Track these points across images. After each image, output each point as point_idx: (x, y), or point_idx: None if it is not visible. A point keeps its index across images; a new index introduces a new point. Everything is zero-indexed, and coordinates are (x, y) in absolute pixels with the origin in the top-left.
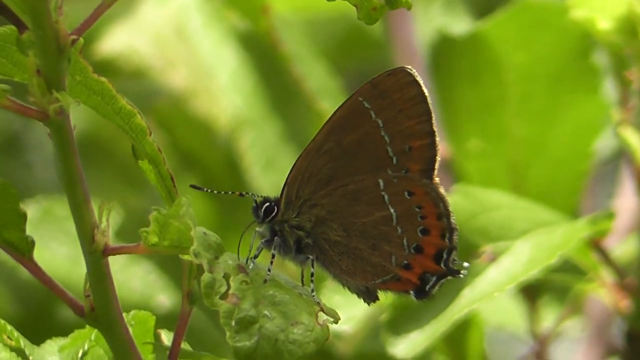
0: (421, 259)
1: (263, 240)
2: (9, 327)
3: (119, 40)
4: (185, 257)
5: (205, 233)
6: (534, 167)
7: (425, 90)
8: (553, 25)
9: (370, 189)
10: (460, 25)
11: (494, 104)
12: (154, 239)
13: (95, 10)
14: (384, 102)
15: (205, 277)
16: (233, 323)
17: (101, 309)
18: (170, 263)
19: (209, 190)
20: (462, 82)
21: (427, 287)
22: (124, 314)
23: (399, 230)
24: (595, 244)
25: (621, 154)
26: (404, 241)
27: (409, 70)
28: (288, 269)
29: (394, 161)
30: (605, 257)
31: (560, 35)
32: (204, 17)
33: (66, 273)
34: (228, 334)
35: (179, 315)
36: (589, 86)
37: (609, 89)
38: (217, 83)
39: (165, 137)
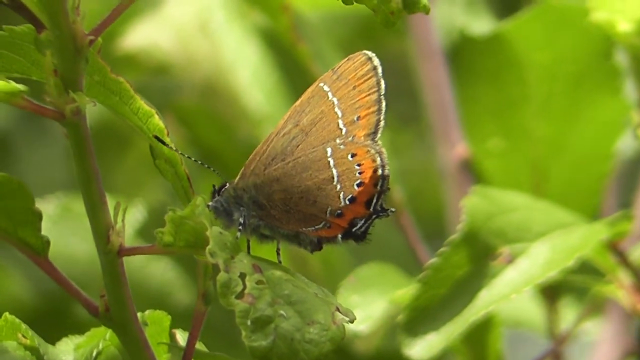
0: (353, 207)
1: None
2: (24, 326)
3: (142, 36)
4: (200, 257)
5: (221, 232)
6: (555, 167)
7: (379, 65)
8: (575, 26)
9: (319, 158)
10: (481, 25)
11: (516, 104)
12: (169, 239)
13: (113, 10)
14: (340, 83)
15: (221, 276)
16: (249, 322)
17: (116, 309)
18: (190, 260)
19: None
20: (484, 82)
21: (354, 229)
22: (139, 314)
23: (338, 187)
24: (614, 246)
25: None
26: (341, 195)
27: (366, 52)
28: (306, 271)
29: (344, 132)
30: (623, 259)
31: (582, 36)
32: (226, 14)
33: (86, 269)
34: (244, 333)
35: (194, 315)
36: (610, 87)
37: (629, 90)
38: (239, 80)
39: (187, 134)
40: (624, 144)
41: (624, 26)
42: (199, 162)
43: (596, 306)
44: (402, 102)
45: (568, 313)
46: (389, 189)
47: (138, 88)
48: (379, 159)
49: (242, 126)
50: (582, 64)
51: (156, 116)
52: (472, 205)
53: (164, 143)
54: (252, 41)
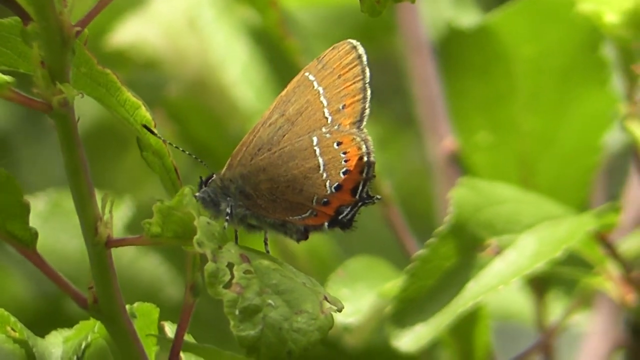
0: (340, 195)
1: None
2: (12, 319)
3: (131, 32)
4: (189, 248)
5: (208, 222)
6: (543, 161)
7: (363, 54)
8: (562, 18)
9: (305, 147)
10: (469, 17)
11: (503, 97)
12: (156, 230)
13: (99, 2)
14: (325, 72)
15: (209, 266)
16: (237, 312)
17: (104, 301)
18: (180, 256)
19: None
20: (471, 75)
21: (340, 217)
22: (127, 306)
23: (324, 176)
24: (602, 238)
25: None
26: (327, 183)
27: (350, 41)
28: (295, 265)
29: (329, 120)
30: (611, 250)
31: (569, 28)
32: (215, 10)
33: (77, 265)
34: (232, 323)
35: (182, 307)
36: (598, 79)
37: (617, 82)
38: (229, 76)
39: (177, 129)
40: (612, 137)
41: (610, 17)
42: (187, 152)
43: (585, 298)
44: (397, 101)
45: (557, 305)
46: (374, 176)
47: (128, 84)
48: (364, 146)
49: (232, 122)
50: (569, 56)
51: (143, 108)
52: (459, 197)
53: (152, 132)
54: (241, 37)
